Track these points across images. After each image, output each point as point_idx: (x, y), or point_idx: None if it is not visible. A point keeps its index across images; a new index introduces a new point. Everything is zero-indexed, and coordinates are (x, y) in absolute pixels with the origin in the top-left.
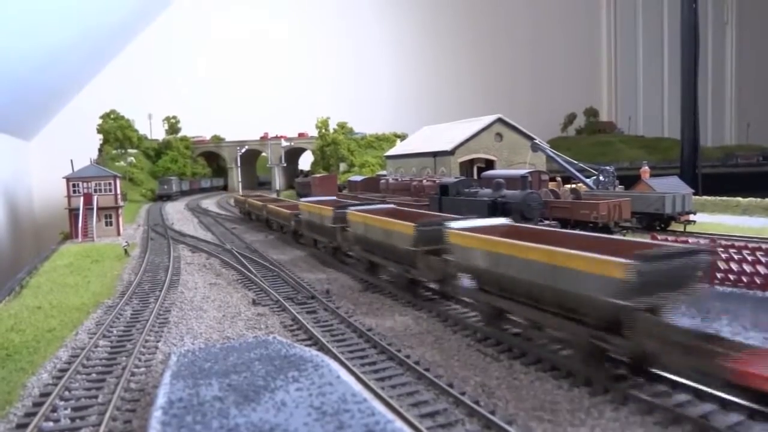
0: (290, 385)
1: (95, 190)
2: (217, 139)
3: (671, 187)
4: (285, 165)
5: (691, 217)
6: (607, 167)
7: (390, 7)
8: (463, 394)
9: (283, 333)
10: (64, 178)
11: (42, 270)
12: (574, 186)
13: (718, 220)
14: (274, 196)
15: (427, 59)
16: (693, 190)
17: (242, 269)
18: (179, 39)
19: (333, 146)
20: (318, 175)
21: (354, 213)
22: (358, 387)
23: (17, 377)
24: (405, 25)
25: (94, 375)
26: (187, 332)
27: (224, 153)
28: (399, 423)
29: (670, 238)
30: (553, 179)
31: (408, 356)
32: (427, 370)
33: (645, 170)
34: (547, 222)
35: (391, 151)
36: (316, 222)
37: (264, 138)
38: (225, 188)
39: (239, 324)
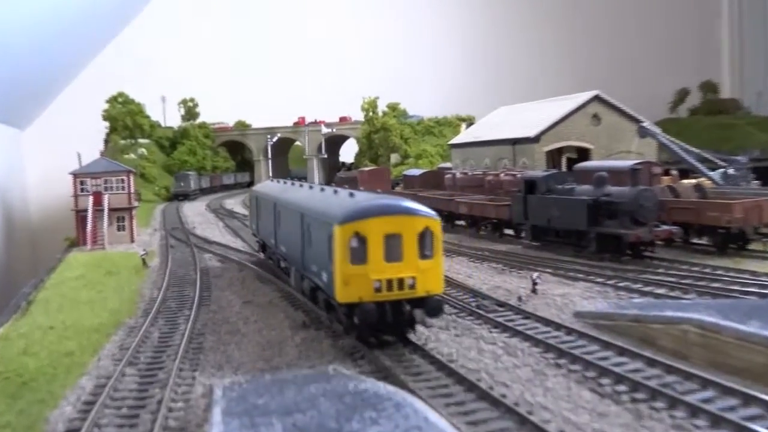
0: (369, 429)
1: (105, 188)
2: (242, 126)
3: None
4: (325, 156)
5: None
6: (739, 157)
7: None
8: None
9: (343, 361)
10: (70, 173)
11: (49, 283)
12: (697, 181)
13: None
14: None
15: (500, 24)
16: None
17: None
18: (197, 8)
19: (383, 133)
20: (366, 169)
21: None
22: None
23: (37, 410)
24: None
25: (125, 410)
26: (227, 361)
27: (250, 143)
28: None
29: None
30: (666, 172)
31: None
32: None
33: None
34: (665, 227)
35: (457, 139)
36: None
37: (299, 124)
38: (251, 185)
39: (287, 351)
